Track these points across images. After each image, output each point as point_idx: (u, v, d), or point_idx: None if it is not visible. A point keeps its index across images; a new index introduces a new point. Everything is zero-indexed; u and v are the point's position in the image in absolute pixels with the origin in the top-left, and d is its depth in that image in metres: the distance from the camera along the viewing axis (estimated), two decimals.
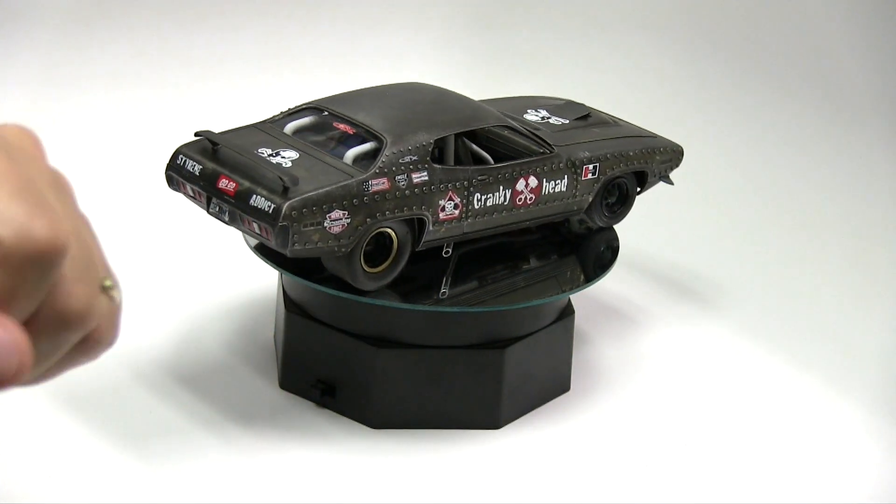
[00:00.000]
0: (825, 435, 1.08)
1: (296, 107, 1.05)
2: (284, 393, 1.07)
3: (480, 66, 1.60)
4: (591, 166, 1.06)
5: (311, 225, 0.93)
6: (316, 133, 1.01)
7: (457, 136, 1.01)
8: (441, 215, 0.99)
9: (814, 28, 1.44)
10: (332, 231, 0.94)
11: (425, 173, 0.98)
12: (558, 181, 1.05)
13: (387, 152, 0.96)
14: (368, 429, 1.03)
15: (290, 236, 0.92)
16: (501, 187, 1.02)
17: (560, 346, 1.09)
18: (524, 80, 1.58)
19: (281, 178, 0.93)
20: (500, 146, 1.05)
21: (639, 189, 1.13)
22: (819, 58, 1.44)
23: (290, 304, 1.06)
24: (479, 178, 1.01)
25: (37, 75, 1.50)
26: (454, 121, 1.01)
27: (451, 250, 1.04)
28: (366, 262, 0.98)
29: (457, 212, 1.00)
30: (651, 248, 1.32)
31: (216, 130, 1.01)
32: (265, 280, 1.19)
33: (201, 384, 1.07)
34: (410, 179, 0.97)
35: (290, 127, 1.02)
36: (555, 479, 1.00)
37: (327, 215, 0.93)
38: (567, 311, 1.09)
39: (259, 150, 0.98)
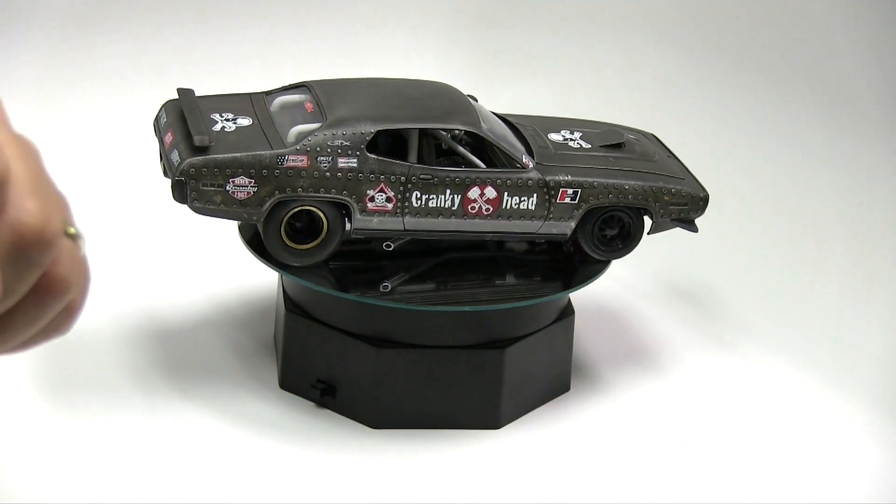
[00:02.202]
0: (825, 436, 1.08)
1: (295, 83, 1.08)
2: (284, 393, 1.07)
3: (481, 66, 1.60)
4: (569, 190, 1.02)
5: (212, 186, 0.97)
6: (290, 108, 1.04)
7: (422, 133, 1.01)
8: (370, 205, 1.00)
9: (817, 29, 1.44)
10: (235, 196, 0.98)
11: (355, 160, 0.99)
12: (524, 198, 1.02)
13: (316, 133, 0.99)
14: (368, 429, 1.03)
15: (188, 192, 0.97)
16: (448, 191, 1.00)
17: (560, 346, 1.09)
18: (525, 80, 1.58)
19: (194, 138, 0.98)
20: (492, 153, 1.04)
21: (650, 230, 1.08)
22: (822, 58, 1.44)
23: (290, 304, 1.06)
24: (421, 176, 1.00)
25: (38, 74, 1.50)
26: (410, 117, 1.01)
27: (392, 244, 1.03)
28: (296, 238, 1.00)
29: (390, 205, 1.00)
30: (650, 250, 1.32)
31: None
32: (265, 280, 1.19)
33: (201, 384, 1.07)
34: (335, 163, 0.98)
35: (279, 101, 1.05)
36: (555, 479, 1.00)
37: (230, 180, 0.97)
38: (567, 312, 1.09)
39: (219, 114, 1.03)
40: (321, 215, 1.00)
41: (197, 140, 0.98)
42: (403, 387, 1.03)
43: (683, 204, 1.06)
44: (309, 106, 1.03)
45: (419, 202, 1.00)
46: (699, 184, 1.08)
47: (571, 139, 1.08)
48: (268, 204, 0.98)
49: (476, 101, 1.10)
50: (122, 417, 1.03)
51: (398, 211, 1.00)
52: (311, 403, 1.05)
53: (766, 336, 1.20)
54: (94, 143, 1.45)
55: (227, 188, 0.98)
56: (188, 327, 1.15)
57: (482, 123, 1.03)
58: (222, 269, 1.23)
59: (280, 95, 1.06)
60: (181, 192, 0.98)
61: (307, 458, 1.00)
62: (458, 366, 1.03)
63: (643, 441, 1.05)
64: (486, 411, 1.04)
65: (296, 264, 1.01)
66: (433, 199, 1.00)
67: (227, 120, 1.02)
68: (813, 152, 1.42)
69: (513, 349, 1.04)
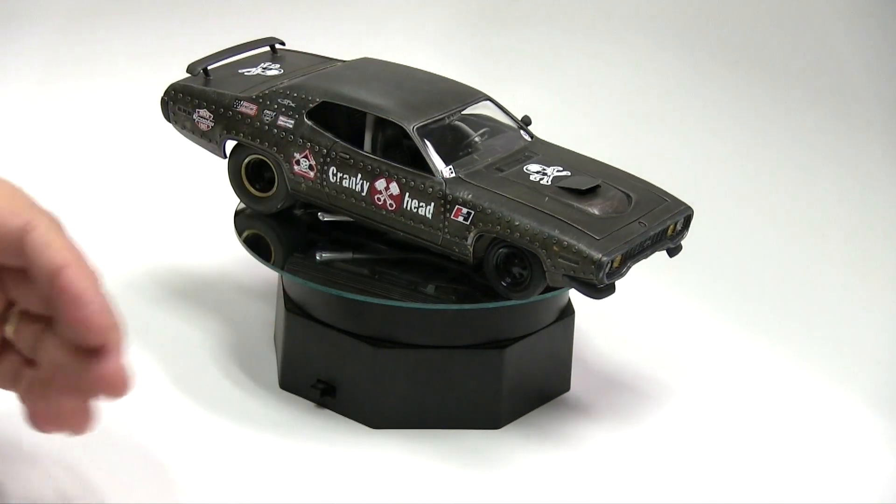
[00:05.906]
0: (833, 434, 1.08)
1: (358, 58, 1.15)
2: (284, 393, 1.07)
3: (480, 65, 1.60)
4: (463, 209, 0.99)
5: (184, 112, 1.09)
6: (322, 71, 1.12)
7: (379, 122, 1.02)
8: (295, 168, 1.05)
9: (818, 30, 1.45)
10: (199, 126, 1.09)
11: (292, 122, 1.05)
12: (423, 204, 1.00)
13: (276, 88, 1.06)
14: (368, 429, 1.03)
15: (169, 112, 1.10)
16: (360, 175, 1.02)
17: (560, 346, 1.09)
18: (525, 79, 1.58)
19: (188, 66, 1.10)
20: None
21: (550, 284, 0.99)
22: (823, 59, 1.44)
23: (290, 304, 1.06)
24: (340, 153, 1.03)
25: (40, 66, 1.50)
26: (360, 101, 1.03)
27: (325, 217, 1.06)
28: (261, 186, 1.09)
29: (311, 173, 1.04)
30: None
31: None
32: (265, 280, 1.19)
33: (201, 384, 1.07)
34: (276, 119, 1.05)
35: (338, 66, 1.13)
36: (555, 480, 1.00)
37: (196, 110, 1.08)
38: (567, 311, 1.09)
39: (270, 63, 1.13)
40: (273, 168, 1.06)
41: (188, 67, 1.10)
42: (403, 387, 1.03)
43: (574, 261, 0.95)
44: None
45: (335, 178, 1.03)
46: (615, 251, 0.96)
47: (542, 174, 1.03)
48: (219, 140, 1.08)
49: (528, 123, 1.09)
50: (121, 417, 1.03)
51: (318, 181, 1.04)
52: (311, 403, 1.05)
53: (768, 334, 1.21)
54: (94, 139, 1.45)
55: (194, 117, 1.08)
56: (188, 327, 1.15)
57: (412, 129, 1.01)
58: (222, 269, 1.23)
59: (339, 63, 1.13)
60: (165, 110, 1.10)
61: (307, 458, 1.00)
62: (458, 366, 1.03)
63: (643, 441, 1.05)
64: (486, 411, 1.04)
65: (251, 207, 1.09)
66: (346, 178, 1.03)
67: (265, 68, 1.12)
68: (814, 150, 1.42)
69: (513, 349, 1.04)
